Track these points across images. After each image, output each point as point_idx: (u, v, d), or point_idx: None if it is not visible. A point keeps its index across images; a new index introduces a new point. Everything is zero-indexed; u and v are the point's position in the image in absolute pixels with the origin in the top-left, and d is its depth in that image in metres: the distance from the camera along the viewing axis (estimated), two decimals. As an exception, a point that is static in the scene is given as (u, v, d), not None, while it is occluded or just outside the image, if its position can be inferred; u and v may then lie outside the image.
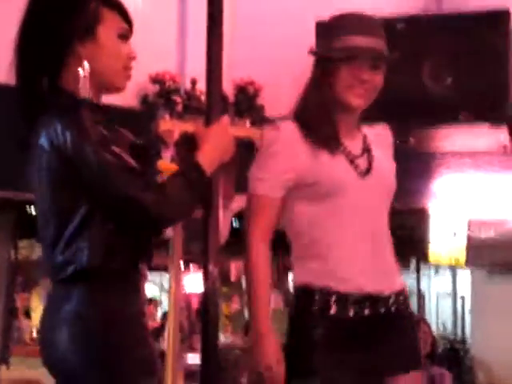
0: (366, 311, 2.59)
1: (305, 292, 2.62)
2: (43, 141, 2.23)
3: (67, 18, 2.31)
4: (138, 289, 2.42)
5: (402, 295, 2.69)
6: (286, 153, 2.59)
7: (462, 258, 9.51)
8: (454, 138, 3.99)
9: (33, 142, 2.30)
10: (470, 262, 9.34)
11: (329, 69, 2.60)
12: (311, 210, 2.61)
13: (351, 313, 2.58)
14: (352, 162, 2.60)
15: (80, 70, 2.29)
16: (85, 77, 2.29)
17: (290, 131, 2.62)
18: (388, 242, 2.70)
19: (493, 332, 11.52)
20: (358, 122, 2.71)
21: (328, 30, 2.67)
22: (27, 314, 9.16)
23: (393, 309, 2.64)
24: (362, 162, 2.62)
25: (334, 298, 2.57)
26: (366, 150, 2.66)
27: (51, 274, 2.34)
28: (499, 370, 11.19)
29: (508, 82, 3.86)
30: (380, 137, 2.76)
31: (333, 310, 2.57)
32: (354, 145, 2.64)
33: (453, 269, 13.53)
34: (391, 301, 2.64)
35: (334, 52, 2.58)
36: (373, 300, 2.60)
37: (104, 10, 2.37)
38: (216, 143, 2.45)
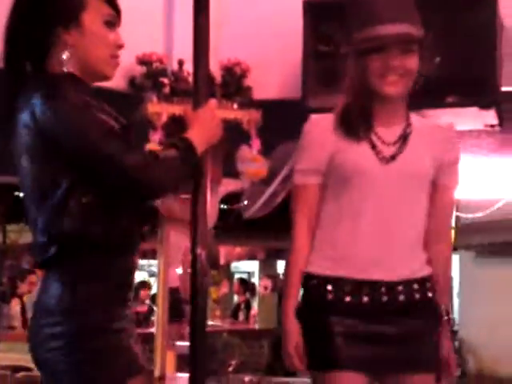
0: (384, 298, 2.58)
1: (317, 280, 2.62)
2: (24, 116, 2.22)
3: (50, 5, 2.30)
4: (125, 274, 2.39)
5: (417, 283, 2.63)
6: (314, 143, 2.61)
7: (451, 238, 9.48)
8: (443, 119, 3.99)
9: (14, 119, 2.29)
10: (458, 244, 9.35)
11: (360, 60, 2.57)
12: (333, 198, 2.61)
13: (365, 299, 2.56)
14: (375, 148, 2.59)
15: (64, 55, 2.27)
16: (68, 59, 2.28)
17: (321, 123, 2.64)
18: (410, 228, 2.64)
19: (480, 314, 11.57)
20: (400, 110, 2.66)
21: (360, 16, 2.63)
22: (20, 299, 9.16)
23: (401, 297, 2.59)
24: (390, 149, 2.60)
25: (349, 287, 2.57)
26: (403, 138, 2.63)
27: (35, 256, 2.34)
28: (485, 351, 11.25)
29: (496, 64, 3.87)
30: (433, 132, 2.71)
31: (348, 298, 2.56)
32: (389, 132, 2.60)
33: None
34: (400, 288, 2.60)
35: (363, 43, 2.55)
36: (381, 287, 2.58)
37: None
38: (203, 126, 2.43)
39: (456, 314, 14.84)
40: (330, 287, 2.58)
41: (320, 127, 2.64)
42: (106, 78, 2.39)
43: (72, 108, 2.18)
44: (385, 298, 2.58)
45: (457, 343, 12.35)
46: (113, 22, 2.36)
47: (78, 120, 2.18)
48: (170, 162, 2.26)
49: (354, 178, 2.56)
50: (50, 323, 2.26)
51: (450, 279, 2.81)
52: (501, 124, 4.07)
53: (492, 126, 4.10)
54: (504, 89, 3.93)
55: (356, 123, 2.59)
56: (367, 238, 2.58)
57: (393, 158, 2.59)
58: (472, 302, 12.11)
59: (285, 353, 2.60)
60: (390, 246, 2.60)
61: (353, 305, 2.57)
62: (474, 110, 3.93)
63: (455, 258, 14.32)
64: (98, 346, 2.27)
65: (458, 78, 3.86)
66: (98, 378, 2.25)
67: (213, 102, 2.55)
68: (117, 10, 2.37)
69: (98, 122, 2.20)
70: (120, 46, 2.39)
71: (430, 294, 2.65)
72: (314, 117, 2.69)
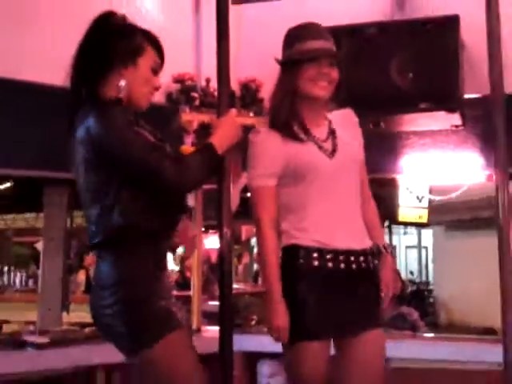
0: (342, 265, 2.54)
1: (291, 250, 2.57)
2: (79, 133, 2.27)
3: (118, 47, 2.35)
4: (162, 252, 2.44)
5: (369, 253, 2.62)
6: (268, 151, 2.57)
7: (425, 217, 9.49)
8: (417, 122, 3.99)
9: (75, 132, 2.32)
10: (431, 220, 9.32)
11: (294, 70, 2.57)
12: (295, 191, 2.57)
13: (330, 265, 2.53)
14: (320, 147, 2.57)
15: (121, 82, 2.34)
16: (123, 88, 2.35)
17: (267, 133, 2.59)
18: (359, 206, 2.65)
19: (450, 276, 11.53)
20: (323, 111, 2.66)
21: (290, 38, 2.64)
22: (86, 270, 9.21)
23: (363, 265, 2.58)
24: (328, 145, 2.60)
25: (315, 254, 2.53)
26: (331, 133, 2.63)
27: (92, 239, 2.36)
28: (455, 307, 11.22)
29: (459, 76, 3.85)
30: (345, 119, 2.71)
31: (316, 263, 2.53)
32: (320, 131, 2.61)
33: (418, 226, 13.56)
34: (361, 258, 2.58)
35: (299, 55, 2.56)
36: (346, 255, 2.55)
37: (146, 45, 2.41)
38: (226, 130, 2.48)
39: (431, 277, 14.82)
40: (315, 255, 2.53)
41: (266, 136, 2.59)
42: (140, 108, 2.44)
43: (120, 127, 2.23)
44: (344, 265, 2.54)
45: (432, 299, 12.32)
46: (157, 69, 2.45)
47: (124, 137, 2.23)
48: (196, 166, 2.30)
49: (311, 173, 2.54)
50: (103, 296, 2.31)
51: (380, 225, 2.84)
52: (463, 124, 4.07)
53: (457, 126, 4.08)
54: (466, 96, 3.93)
55: (291, 128, 2.57)
56: (331, 216, 2.56)
57: (334, 151, 2.59)
58: (443, 266, 12.04)
59: (271, 328, 2.51)
60: (346, 220, 2.59)
61: (327, 269, 2.53)
62: (442, 113, 3.92)
63: (429, 232, 14.29)
64: (143, 311, 2.30)
65: (428, 89, 3.85)
66: (144, 336, 2.28)
67: (233, 111, 2.58)
68: (162, 60, 2.46)
69: (139, 138, 2.24)
70: (157, 88, 2.47)
71: (373, 264, 2.64)
72: (258, 128, 2.65)
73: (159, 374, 2.31)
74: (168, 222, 2.43)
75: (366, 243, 2.63)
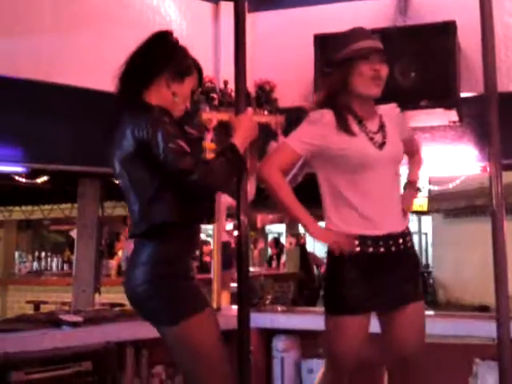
0: (381, 249, 2.52)
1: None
2: (128, 131, 2.30)
3: (170, 60, 2.43)
4: (193, 241, 2.49)
5: (407, 233, 2.63)
6: (320, 126, 2.55)
7: (425, 206, 9.44)
8: (418, 118, 3.97)
9: (118, 132, 2.35)
10: (430, 208, 9.28)
11: (348, 67, 2.54)
12: (341, 177, 2.55)
13: (370, 250, 2.52)
14: (371, 139, 2.56)
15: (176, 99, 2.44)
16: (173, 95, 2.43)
17: (326, 114, 2.56)
18: (398, 193, 2.67)
19: (448, 259, 11.52)
20: (373, 105, 2.65)
21: (344, 39, 2.62)
22: (111, 256, 9.24)
23: (402, 247, 2.57)
24: (379, 137, 2.57)
25: (357, 242, 2.51)
26: (382, 126, 2.61)
27: (134, 229, 2.40)
28: (452, 287, 11.21)
29: (456, 76, 3.84)
30: (392, 114, 2.71)
31: (358, 249, 2.51)
32: (372, 124, 2.59)
33: (418, 214, 13.52)
34: (400, 240, 2.57)
35: (354, 53, 2.54)
36: (386, 240, 2.54)
37: (194, 69, 2.49)
38: (245, 128, 2.49)
39: (430, 260, 14.80)
40: (356, 242, 2.51)
41: (327, 117, 2.55)
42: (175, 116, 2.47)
43: (163, 136, 2.25)
44: (382, 249, 2.53)
45: (431, 280, 12.31)
46: (195, 92, 2.57)
47: (167, 138, 2.25)
48: (222, 168, 2.33)
49: (361, 162, 2.52)
50: (140, 275, 2.33)
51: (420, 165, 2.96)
52: (460, 120, 4.04)
53: (454, 122, 4.06)
54: (462, 95, 3.90)
55: (347, 118, 2.55)
56: (375, 204, 2.55)
57: (383, 143, 2.58)
58: (441, 250, 12.04)
59: (331, 242, 2.52)
60: (389, 207, 2.58)
61: (370, 254, 2.52)
62: (440, 110, 3.91)
63: (428, 219, 14.27)
64: (177, 287, 2.34)
65: (428, 88, 3.85)
66: (177, 311, 2.30)
67: (250, 110, 2.62)
68: (200, 86, 2.63)
69: (177, 146, 2.26)
70: (187, 107, 2.54)
71: (411, 244, 2.64)
72: (320, 110, 2.60)
73: (186, 347, 2.33)
74: (200, 216, 2.47)
75: (404, 225, 2.63)
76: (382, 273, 2.52)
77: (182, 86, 2.44)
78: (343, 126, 2.53)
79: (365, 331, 2.53)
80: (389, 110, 2.70)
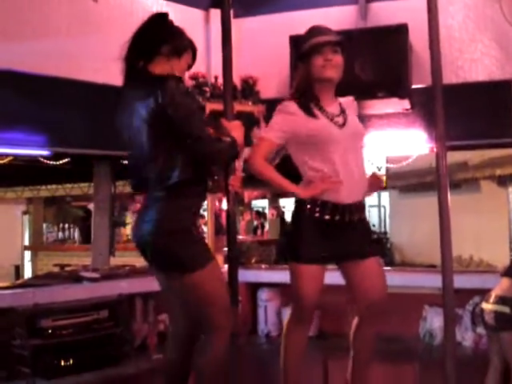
0: (337, 217, 2.50)
1: (301, 202, 2.54)
2: (144, 101, 2.21)
3: (172, 37, 2.37)
4: (202, 197, 2.43)
5: (363, 204, 2.61)
6: (288, 116, 2.54)
7: (383, 183, 9.43)
8: (376, 106, 3.98)
9: (130, 103, 2.27)
10: (388, 185, 9.29)
11: (307, 60, 2.54)
12: (312, 156, 2.52)
13: (327, 217, 2.49)
14: (332, 119, 2.54)
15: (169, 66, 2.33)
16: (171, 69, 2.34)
17: (292, 104, 2.54)
18: (360, 168, 2.59)
19: (402, 227, 11.58)
20: (334, 95, 2.61)
21: (303, 37, 2.60)
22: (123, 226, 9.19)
23: (356, 216, 2.54)
24: (339, 119, 2.55)
25: (318, 208, 2.50)
26: (342, 111, 2.58)
27: (151, 186, 2.29)
28: (406, 250, 11.27)
29: (408, 70, 3.85)
30: (350, 104, 2.67)
31: (317, 215, 2.50)
32: (333, 108, 2.56)
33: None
34: (356, 209, 2.54)
35: (309, 48, 2.52)
36: (343, 209, 2.51)
37: (189, 48, 2.42)
38: (238, 131, 2.45)
39: (388, 228, 14.87)
40: (317, 208, 2.50)
41: (291, 107, 2.54)
42: None
43: (182, 97, 2.21)
44: (337, 217, 2.50)
45: (388, 245, 12.35)
46: (190, 66, 2.47)
47: (187, 106, 2.22)
48: (226, 150, 2.35)
49: (327, 141, 2.50)
50: (151, 222, 2.26)
51: None
52: (412, 108, 4.05)
53: (407, 109, 4.07)
54: (413, 86, 3.91)
55: (310, 105, 2.53)
56: (340, 179, 2.51)
57: (344, 124, 2.56)
58: (398, 220, 12.08)
59: (318, 191, 2.49)
60: (352, 181, 2.54)
61: (328, 220, 2.50)
62: (395, 99, 3.91)
63: (386, 195, 14.32)
64: (190, 240, 2.28)
65: (384, 81, 3.85)
66: (191, 262, 2.24)
67: (238, 122, 2.55)
68: (194, 62, 2.49)
69: (199, 113, 2.28)
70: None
71: (365, 212, 2.63)
72: (286, 101, 2.59)
73: (201, 293, 2.27)
74: (207, 175, 2.42)
75: (362, 196, 2.59)
76: (337, 235, 2.51)
77: (179, 61, 2.37)
78: (307, 112, 2.51)
79: (320, 279, 2.52)
80: (347, 101, 2.68)
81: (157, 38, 2.34)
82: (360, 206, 2.57)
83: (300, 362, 2.63)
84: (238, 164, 2.90)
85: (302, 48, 2.56)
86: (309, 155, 2.53)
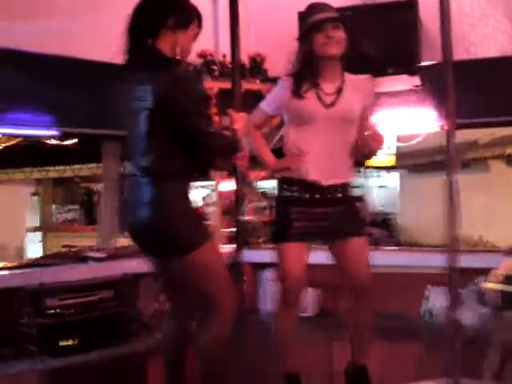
0: (317, 195, 2.56)
1: (280, 183, 2.61)
2: (149, 86, 2.18)
3: (177, 10, 2.31)
4: (188, 184, 2.40)
5: (347, 186, 2.62)
6: (281, 91, 2.62)
7: (393, 162, 9.39)
8: (385, 84, 3.94)
9: (134, 85, 2.23)
10: (398, 163, 9.25)
11: (309, 39, 2.54)
12: (295, 130, 2.57)
13: (306, 196, 2.55)
14: (320, 98, 2.53)
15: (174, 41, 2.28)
16: (176, 45, 2.29)
17: (285, 80, 2.61)
18: (344, 151, 2.60)
19: (410, 208, 11.55)
20: (340, 71, 2.60)
21: (303, 15, 2.62)
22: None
23: (340, 195, 2.58)
24: (329, 99, 2.55)
25: (296, 187, 2.56)
26: (339, 90, 2.56)
27: (145, 171, 2.28)
28: (412, 231, 11.26)
29: (418, 47, 3.83)
30: (359, 84, 2.65)
31: (296, 194, 2.55)
32: (329, 86, 2.55)
33: (387, 169, 13.45)
34: (339, 189, 2.58)
35: (310, 26, 2.53)
36: (325, 189, 2.56)
37: (195, 18, 2.37)
38: (241, 124, 2.47)
39: (397, 208, 14.85)
40: (295, 188, 2.56)
41: (286, 83, 2.61)
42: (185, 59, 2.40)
43: (196, 93, 2.23)
44: (328, 195, 2.56)
45: (396, 225, 12.35)
46: (197, 35, 2.42)
47: (194, 91, 2.22)
48: (228, 146, 2.37)
49: (308, 118, 2.53)
50: (147, 208, 2.25)
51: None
52: (422, 85, 4.01)
53: (417, 86, 4.04)
54: (423, 63, 3.88)
55: (303, 83, 2.55)
56: (319, 158, 2.55)
57: (332, 104, 2.54)
58: (406, 200, 12.03)
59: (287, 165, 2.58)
60: (331, 164, 2.56)
61: (307, 199, 2.55)
62: (405, 76, 3.92)
63: (396, 174, 14.27)
64: (193, 219, 2.31)
65: (394, 57, 3.85)
66: (190, 242, 2.26)
67: (244, 115, 2.56)
68: (200, 30, 2.42)
69: (206, 109, 2.29)
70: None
71: (350, 194, 2.64)
72: (284, 77, 2.67)
73: (202, 270, 2.29)
74: (201, 168, 2.41)
75: (345, 178, 2.59)
76: (318, 214, 2.55)
77: (186, 33, 2.32)
78: (294, 90, 2.55)
79: (302, 256, 2.57)
80: (358, 81, 2.64)
81: (161, 10, 2.28)
82: (342, 187, 2.59)
83: (294, 341, 2.67)
84: (245, 144, 2.88)
85: (303, 26, 2.58)
86: (292, 130, 2.60)
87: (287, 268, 2.54)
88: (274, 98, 2.67)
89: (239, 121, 2.47)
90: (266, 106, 2.69)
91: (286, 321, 2.65)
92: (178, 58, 2.29)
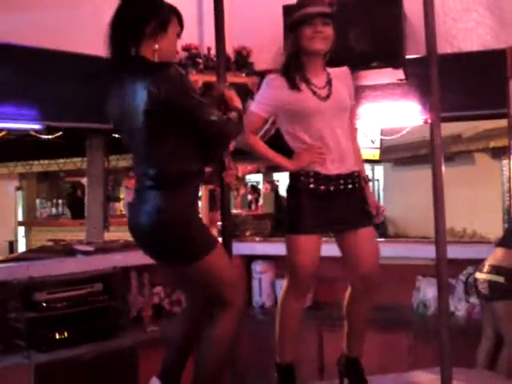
0: (332, 187, 2.52)
1: (295, 175, 2.56)
2: (144, 90, 2.13)
3: (152, 17, 2.24)
4: (196, 191, 2.36)
5: (356, 175, 2.59)
6: (273, 89, 2.54)
7: (377, 155, 9.43)
8: (370, 77, 3.95)
9: (125, 91, 2.21)
10: (382, 157, 9.27)
11: (296, 32, 2.50)
12: (297, 127, 2.54)
13: (322, 188, 2.52)
14: (315, 92, 2.53)
15: (156, 46, 2.24)
16: (156, 51, 2.24)
17: (278, 78, 2.54)
18: (348, 139, 2.59)
19: (395, 200, 11.63)
20: (323, 65, 2.59)
21: (294, 7, 2.55)
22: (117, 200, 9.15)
23: (350, 186, 2.56)
24: (323, 91, 2.54)
25: (311, 179, 2.52)
26: (328, 83, 2.57)
27: (145, 182, 2.25)
28: (400, 223, 11.34)
29: (402, 40, 3.82)
30: (341, 75, 2.64)
31: (311, 186, 2.52)
32: (319, 80, 2.54)
33: (372, 163, 13.51)
34: (349, 180, 2.56)
35: (299, 19, 2.49)
36: (336, 179, 2.54)
37: (173, 16, 2.31)
38: (238, 100, 2.46)
39: (382, 201, 14.93)
40: (311, 179, 2.53)
41: (277, 80, 2.53)
42: (172, 61, 2.33)
43: (188, 88, 2.17)
44: (332, 188, 2.53)
45: (382, 218, 12.41)
46: (179, 34, 2.36)
47: (186, 90, 2.16)
48: (238, 124, 2.35)
49: (309, 113, 2.50)
50: (149, 214, 2.21)
51: (362, 161, 2.75)
52: (406, 79, 4.02)
53: (401, 80, 4.04)
54: (408, 56, 3.87)
55: (294, 76, 2.51)
56: (330, 150, 2.53)
57: (328, 96, 2.55)
58: (391, 193, 12.13)
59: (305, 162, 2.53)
60: (340, 152, 2.56)
61: (322, 191, 2.52)
62: (389, 70, 3.89)
63: (380, 168, 14.35)
64: (200, 227, 2.30)
65: (379, 51, 3.81)
66: (198, 249, 2.23)
67: (234, 91, 2.53)
68: (182, 28, 2.37)
69: (204, 99, 2.21)
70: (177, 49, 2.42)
71: (360, 183, 2.61)
72: (272, 74, 2.58)
73: (212, 274, 2.28)
74: (203, 168, 2.37)
75: (353, 168, 2.60)
76: (332, 205, 2.52)
77: (166, 35, 2.26)
78: (291, 85, 2.50)
79: (317, 249, 2.54)
80: (339, 72, 2.65)
81: (136, 22, 2.23)
82: (352, 176, 2.58)
83: (295, 333, 2.65)
84: (229, 161, 2.89)
85: (292, 17, 2.53)
86: (294, 127, 2.55)
87: (301, 261, 2.51)
88: (270, 99, 2.55)
89: (236, 98, 2.47)
90: (260, 110, 2.56)
91: (293, 313, 2.61)
92: (164, 61, 2.26)
